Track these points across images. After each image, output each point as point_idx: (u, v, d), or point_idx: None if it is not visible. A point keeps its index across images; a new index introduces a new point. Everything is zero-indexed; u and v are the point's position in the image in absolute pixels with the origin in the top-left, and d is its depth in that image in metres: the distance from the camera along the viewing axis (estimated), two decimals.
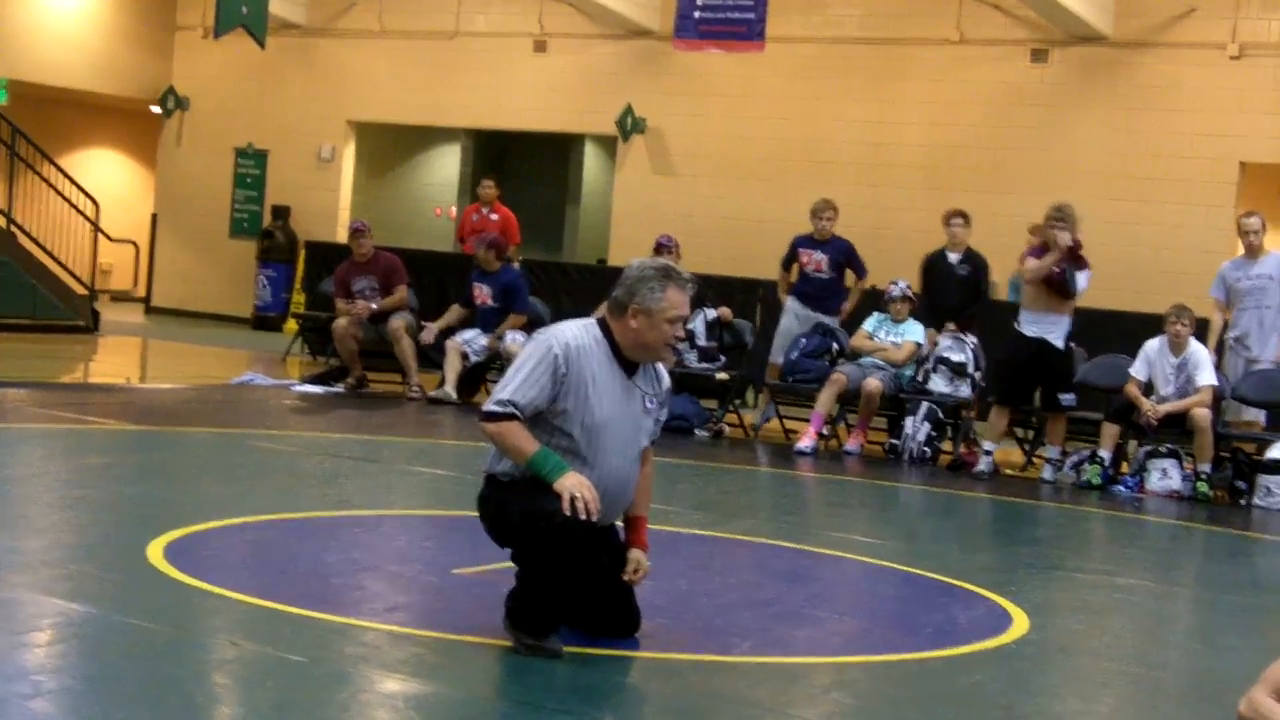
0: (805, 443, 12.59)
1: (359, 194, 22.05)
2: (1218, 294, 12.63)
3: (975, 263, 13.31)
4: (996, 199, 16.61)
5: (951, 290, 13.19)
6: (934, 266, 13.39)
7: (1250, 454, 12.21)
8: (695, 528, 8.49)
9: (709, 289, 14.20)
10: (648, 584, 5.80)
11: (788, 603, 6.86)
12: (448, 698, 4.94)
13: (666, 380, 5.78)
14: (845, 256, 13.83)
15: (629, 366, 5.56)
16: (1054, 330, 12.04)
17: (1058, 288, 11.85)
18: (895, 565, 7.92)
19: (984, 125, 17.48)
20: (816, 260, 13.77)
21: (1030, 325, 12.09)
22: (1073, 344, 12.27)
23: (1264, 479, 11.64)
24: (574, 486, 5.25)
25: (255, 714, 4.63)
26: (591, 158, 22.78)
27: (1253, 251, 12.55)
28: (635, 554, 5.68)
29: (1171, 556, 10.07)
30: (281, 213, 21.77)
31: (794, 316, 13.85)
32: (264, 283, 21.72)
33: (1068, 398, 12.15)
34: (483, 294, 14.14)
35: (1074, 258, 11.85)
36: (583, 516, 5.22)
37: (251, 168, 22.50)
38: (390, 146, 22.78)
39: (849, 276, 13.87)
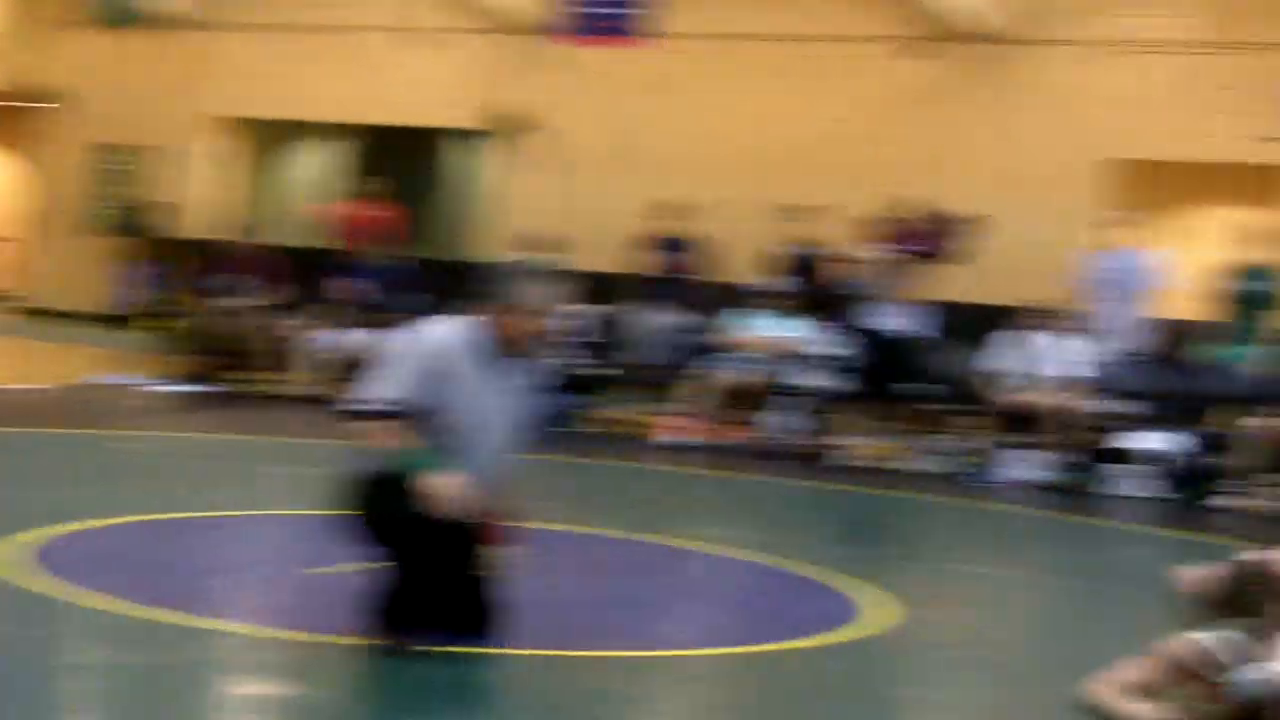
0: (675, 435, 12.68)
1: (237, 190, 21.82)
2: (1079, 284, 12.90)
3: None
4: (856, 192, 16.75)
5: (829, 283, 13.30)
6: (808, 261, 13.53)
7: (1108, 443, 12.45)
8: (565, 524, 8.53)
9: (588, 284, 14.25)
10: (510, 580, 5.83)
11: (653, 597, 6.94)
12: (313, 700, 4.95)
13: (538, 372, 5.83)
14: (698, 253, 14.02)
15: (501, 359, 5.62)
16: (909, 321, 12.28)
17: (910, 274, 12.15)
18: (760, 558, 8.01)
19: (854, 120, 17.59)
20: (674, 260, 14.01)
21: (885, 317, 12.32)
22: (932, 334, 12.51)
23: (1124, 468, 11.89)
24: (451, 486, 5.30)
25: None
26: (468, 153, 22.69)
27: (1115, 243, 12.84)
28: (497, 550, 5.73)
29: (1031, 545, 10.28)
30: (158, 209, 21.50)
31: (661, 313, 13.97)
32: (137, 280, 21.44)
33: (927, 387, 12.36)
34: (362, 289, 14.11)
35: (925, 249, 12.10)
36: (460, 516, 5.27)
37: (128, 163, 22.20)
38: (269, 141, 22.56)
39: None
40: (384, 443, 5.37)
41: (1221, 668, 4.76)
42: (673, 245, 13.94)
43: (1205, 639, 4.80)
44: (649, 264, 14.17)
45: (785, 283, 13.39)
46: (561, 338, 13.69)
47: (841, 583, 7.35)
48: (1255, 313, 12.49)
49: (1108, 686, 5.07)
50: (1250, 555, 5.26)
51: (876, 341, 12.33)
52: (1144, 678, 5.05)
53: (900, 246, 12.39)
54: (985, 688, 5.84)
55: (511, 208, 19.02)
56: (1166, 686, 5.05)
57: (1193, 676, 4.89)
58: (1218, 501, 11.32)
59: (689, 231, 13.90)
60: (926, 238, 12.11)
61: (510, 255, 5.85)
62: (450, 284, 15.83)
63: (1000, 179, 16.57)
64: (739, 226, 16.18)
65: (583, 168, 18.79)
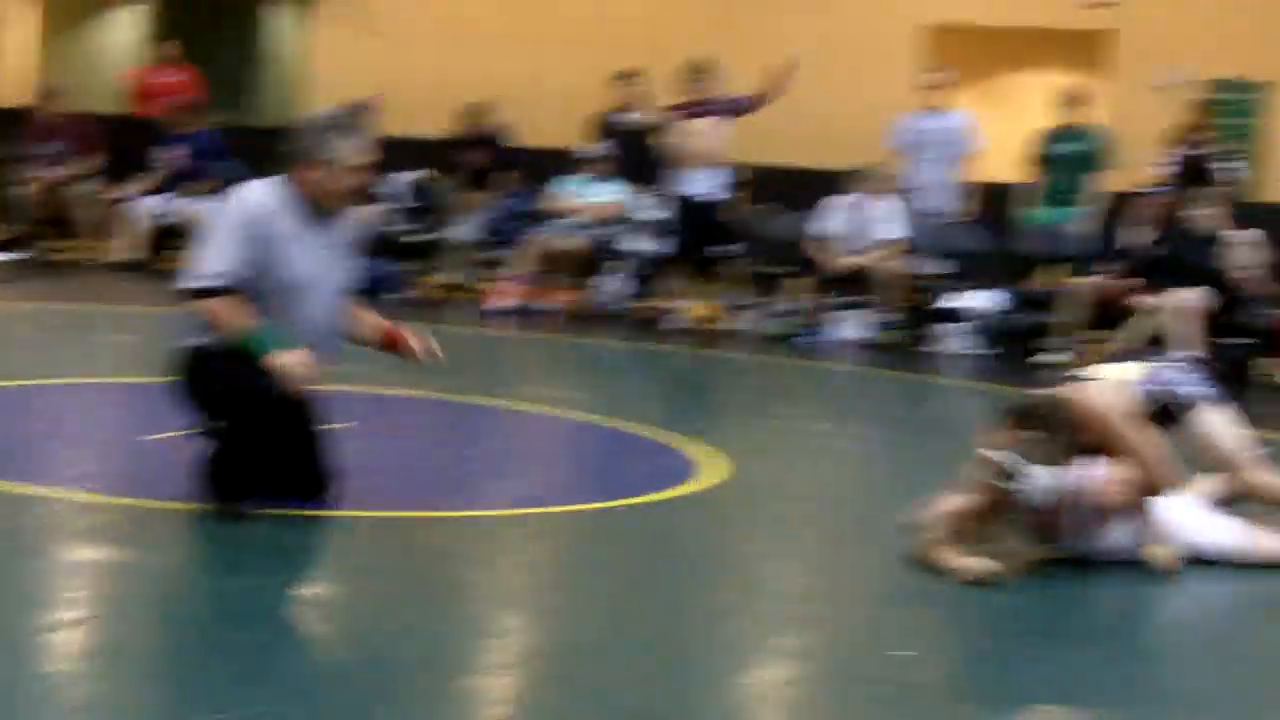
0: (503, 302, 12.65)
1: (39, 55, 21.14)
2: (897, 144, 13.03)
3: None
4: (673, 61, 16.71)
5: (647, 149, 13.27)
6: (628, 127, 13.47)
7: (930, 303, 12.66)
8: (393, 388, 8.47)
9: (411, 150, 14.11)
10: (349, 445, 5.79)
11: (489, 458, 6.94)
12: (144, 564, 4.88)
13: (358, 226, 5.73)
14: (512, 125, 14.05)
15: (319, 217, 5.52)
16: (715, 184, 12.36)
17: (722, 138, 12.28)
18: (595, 419, 8.04)
19: None
20: (477, 158, 13.95)
21: (692, 182, 12.38)
22: (733, 194, 12.63)
23: (943, 326, 12.12)
24: (288, 362, 5.22)
25: None
26: (285, 17, 22.21)
27: (935, 105, 12.96)
28: (411, 343, 5.71)
29: (858, 402, 10.45)
30: None
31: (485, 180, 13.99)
32: None
33: (732, 247, 12.47)
34: (174, 156, 13.80)
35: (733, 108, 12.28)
36: (299, 391, 5.20)
37: None
38: (72, 5, 21.86)
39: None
40: (229, 320, 5.26)
41: (1012, 478, 4.98)
42: (488, 122, 13.87)
43: (998, 455, 5.02)
44: (468, 132, 14.02)
45: (607, 148, 13.34)
46: (396, 203, 13.57)
47: (676, 441, 7.39)
48: (1075, 175, 12.70)
49: (934, 537, 5.24)
50: (1058, 390, 5.49)
51: (692, 206, 12.40)
52: (960, 512, 5.25)
53: (708, 109, 12.44)
54: (818, 538, 5.94)
55: (338, 73, 18.59)
56: (979, 514, 5.27)
57: (990, 492, 5.11)
58: (1040, 358, 11.57)
59: (504, 103, 13.83)
60: (730, 101, 12.28)
61: (320, 110, 5.71)
62: (263, 148, 15.63)
63: (822, 44, 16.63)
64: (561, 94, 16.08)
65: (399, 32, 18.48)
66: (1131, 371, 5.76)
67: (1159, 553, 5.38)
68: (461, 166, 14.05)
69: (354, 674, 3.97)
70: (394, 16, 18.50)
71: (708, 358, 11.41)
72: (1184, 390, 5.71)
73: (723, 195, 12.50)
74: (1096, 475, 5.30)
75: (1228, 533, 5.59)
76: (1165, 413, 5.67)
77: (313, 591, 4.74)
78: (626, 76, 13.44)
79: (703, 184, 12.36)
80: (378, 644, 4.20)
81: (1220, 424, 5.73)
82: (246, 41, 22.37)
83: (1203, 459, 5.78)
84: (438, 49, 18.30)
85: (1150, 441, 5.44)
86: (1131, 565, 5.43)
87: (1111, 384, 5.62)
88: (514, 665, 4.14)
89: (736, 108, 12.45)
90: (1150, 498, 5.40)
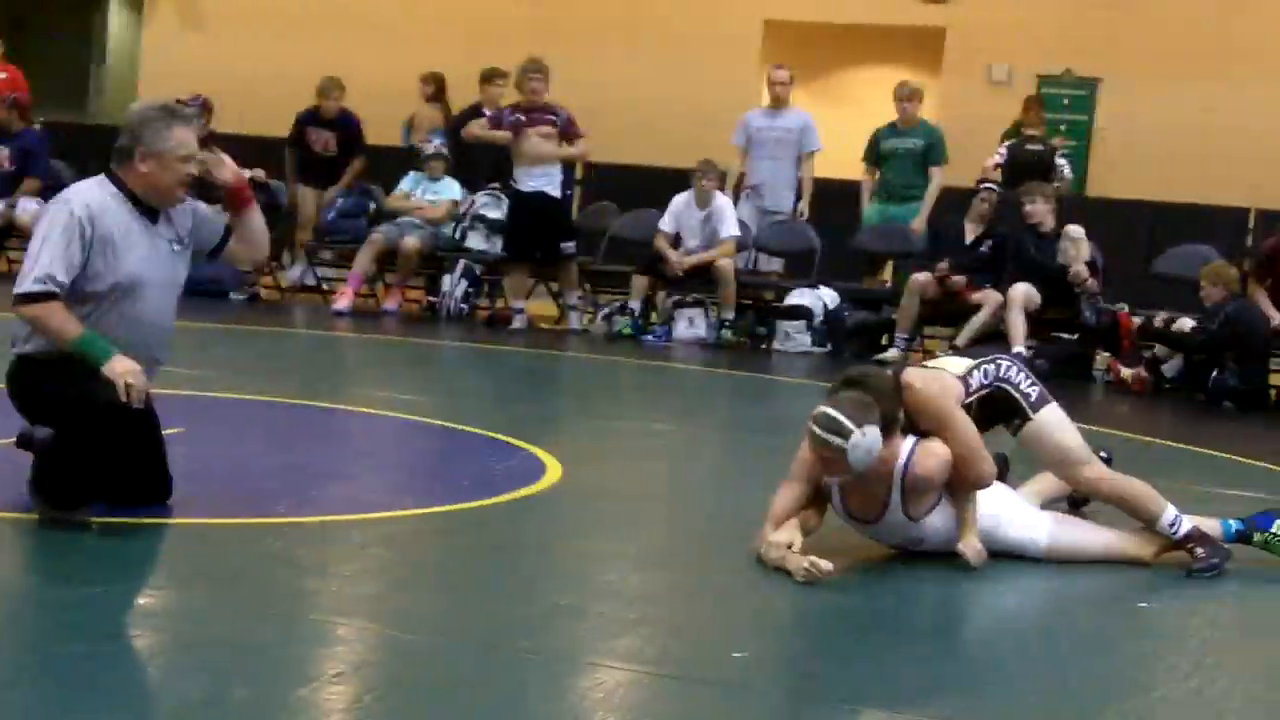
0: (342, 303, 12.56)
1: None
2: (739, 142, 13.12)
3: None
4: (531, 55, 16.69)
5: (489, 148, 13.21)
6: (465, 125, 13.42)
7: (771, 301, 12.78)
8: (232, 392, 8.38)
9: (244, 149, 13.90)
10: (181, 451, 5.72)
11: (326, 462, 6.87)
12: None
13: (188, 221, 5.60)
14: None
15: (150, 214, 5.43)
16: (550, 182, 12.37)
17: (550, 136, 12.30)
18: (434, 421, 8.00)
19: None
20: (325, 139, 13.75)
21: (526, 180, 12.38)
22: (571, 192, 12.67)
23: (784, 324, 12.24)
24: (124, 373, 5.12)
25: None
26: (117, 13, 21.85)
27: (778, 103, 13.07)
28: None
29: (699, 401, 10.51)
30: None
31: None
32: None
33: (568, 245, 12.49)
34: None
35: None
36: (134, 404, 5.12)
37: None
38: None
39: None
40: (60, 327, 5.16)
41: (838, 433, 5.08)
42: (325, 113, 13.72)
43: (826, 409, 5.11)
44: (304, 131, 13.85)
45: (436, 146, 13.28)
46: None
47: (516, 442, 7.38)
48: (910, 172, 12.87)
49: (770, 524, 5.34)
50: (897, 369, 5.61)
51: (522, 204, 12.39)
52: (791, 507, 5.36)
53: (544, 118, 12.42)
54: (656, 538, 5.97)
55: (172, 71, 18.32)
56: (811, 503, 5.39)
57: (817, 457, 5.23)
58: (879, 355, 11.71)
59: (340, 98, 13.68)
60: (567, 122, 12.33)
61: (143, 101, 5.59)
62: (101, 148, 15.38)
63: (666, 41, 16.72)
64: (396, 91, 15.98)
65: (243, 29, 18.26)
66: (967, 365, 5.86)
67: (969, 542, 5.46)
68: (308, 148, 13.81)
69: (190, 685, 3.91)
70: (224, 13, 18.28)
71: (549, 357, 11.42)
72: (1017, 387, 5.81)
73: (560, 193, 12.51)
74: (926, 449, 5.40)
75: (1050, 529, 5.70)
76: (997, 409, 5.78)
77: (147, 601, 4.67)
78: (491, 76, 13.34)
79: (541, 182, 12.35)
80: (214, 654, 4.15)
81: (1053, 421, 5.82)
82: (83, 40, 21.99)
83: (1035, 456, 5.89)
84: (269, 46, 18.11)
85: (973, 435, 5.53)
86: (956, 558, 5.53)
87: (947, 374, 5.72)
88: (351, 672, 4.11)
89: (567, 131, 12.45)
90: (968, 490, 5.50)
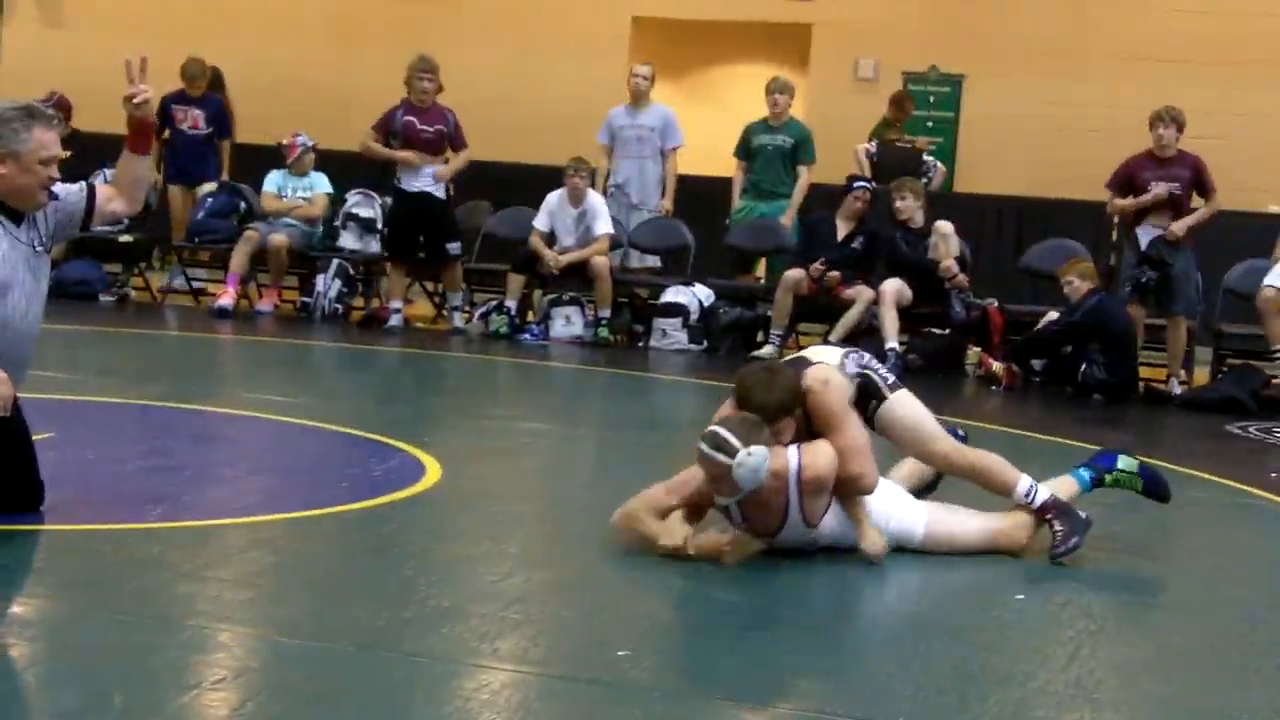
0: (225, 300, 12.40)
1: None
2: (603, 139, 13.14)
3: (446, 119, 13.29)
4: (403, 52, 16.59)
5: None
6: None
7: (646, 298, 12.82)
8: (102, 395, 8.26)
9: (109, 147, 13.70)
10: (51, 456, 5.63)
11: (201, 465, 6.79)
12: None
13: (50, 222, 5.50)
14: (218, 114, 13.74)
15: (13, 216, 5.33)
16: (434, 183, 12.33)
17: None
18: (310, 422, 7.94)
19: None
20: (194, 117, 13.59)
21: (411, 180, 12.33)
22: (451, 192, 12.63)
23: (659, 322, 12.27)
24: None
25: None
26: None
27: (639, 100, 13.10)
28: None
29: (575, 399, 10.52)
30: None
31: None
32: None
33: (453, 246, 12.45)
34: None
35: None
36: (1, 412, 5.03)
37: None
38: None
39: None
40: None
41: (726, 452, 5.25)
42: (191, 92, 13.58)
43: (716, 429, 5.19)
44: (170, 111, 13.66)
45: (304, 142, 13.15)
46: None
47: (392, 444, 7.35)
48: (779, 168, 12.95)
49: (640, 501, 5.40)
50: (800, 376, 5.66)
51: (403, 204, 12.34)
52: (669, 505, 5.44)
53: (432, 121, 12.39)
54: (534, 538, 5.96)
55: (31, 69, 18.02)
56: (694, 505, 5.46)
57: (706, 473, 5.29)
58: (756, 351, 11.78)
59: (204, 83, 13.57)
60: (455, 130, 12.31)
61: (6, 103, 5.49)
62: None
63: (536, 38, 16.70)
64: (263, 85, 15.84)
65: (104, 25, 17.97)
66: (839, 355, 5.94)
67: (870, 540, 5.54)
68: (175, 129, 13.62)
69: (68, 694, 3.85)
70: (84, 10, 17.98)
71: (425, 357, 11.37)
72: (877, 372, 5.92)
73: (444, 194, 12.46)
74: (812, 451, 5.47)
75: (926, 519, 5.78)
76: (862, 393, 5.87)
77: (21, 609, 4.58)
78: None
79: (425, 182, 12.29)
80: (92, 662, 4.09)
81: (906, 402, 5.93)
82: None
83: (891, 436, 5.96)
84: (132, 43, 17.80)
85: (863, 438, 5.61)
86: (844, 554, 5.59)
87: (837, 373, 5.78)
88: (232, 678, 4.07)
89: (454, 139, 12.43)
90: (851, 492, 5.57)
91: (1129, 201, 11.38)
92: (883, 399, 5.88)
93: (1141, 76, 15.05)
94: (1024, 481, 5.87)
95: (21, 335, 5.36)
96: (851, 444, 5.54)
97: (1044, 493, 5.87)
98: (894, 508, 5.76)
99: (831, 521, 5.60)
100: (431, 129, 12.34)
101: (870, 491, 5.61)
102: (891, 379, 5.97)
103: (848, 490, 5.55)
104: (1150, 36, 15.37)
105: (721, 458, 5.31)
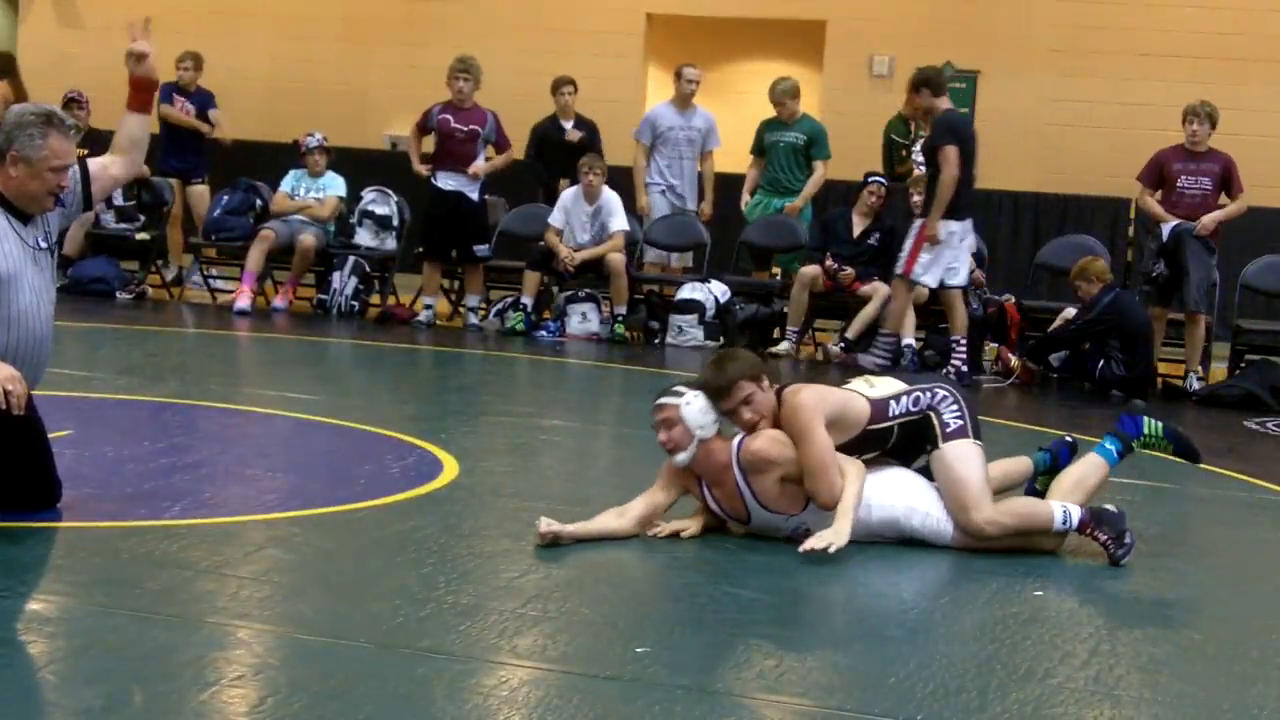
0: (242, 301, 12.41)
1: None
2: (645, 139, 13.09)
3: (588, 127, 13.29)
4: (416, 51, 16.61)
5: (565, 155, 13.09)
6: (548, 135, 13.29)
7: (662, 294, 12.81)
8: (120, 393, 8.28)
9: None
10: (70, 453, 5.64)
11: (219, 463, 6.80)
12: None
13: (56, 221, 5.54)
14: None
15: (20, 217, 5.35)
16: (469, 184, 12.33)
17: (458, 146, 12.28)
18: (328, 420, 7.95)
19: None
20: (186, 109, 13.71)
21: (446, 179, 12.34)
22: (488, 196, 12.62)
23: (675, 318, 12.26)
24: (4, 379, 5.04)
25: None
26: None
27: (686, 102, 13.06)
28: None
29: (592, 396, 10.52)
30: None
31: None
32: None
33: (483, 249, 12.46)
34: None
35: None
36: (15, 411, 5.03)
37: None
38: None
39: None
40: None
41: (676, 395, 5.71)
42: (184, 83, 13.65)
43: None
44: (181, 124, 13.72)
45: (319, 140, 13.17)
46: (112, 201, 13.20)
47: (411, 440, 7.36)
48: (792, 165, 12.93)
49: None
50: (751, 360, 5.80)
51: (439, 204, 12.36)
52: (655, 500, 5.65)
53: (460, 114, 12.42)
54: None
55: (50, 68, 18.06)
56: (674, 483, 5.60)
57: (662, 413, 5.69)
58: (773, 348, 11.78)
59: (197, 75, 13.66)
60: (498, 132, 12.37)
61: (23, 105, 5.52)
62: None
63: (551, 36, 16.69)
64: (289, 86, 15.88)
65: (122, 25, 17.94)
66: (897, 389, 5.91)
67: (834, 530, 5.54)
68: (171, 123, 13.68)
69: (88, 691, 3.85)
70: (100, 10, 17.99)
71: (443, 354, 11.37)
72: (940, 416, 5.83)
73: (477, 197, 12.45)
74: (754, 434, 5.68)
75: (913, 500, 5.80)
76: (918, 434, 5.84)
77: (41, 607, 4.59)
78: (563, 84, 13.23)
79: (460, 182, 12.32)
80: (112, 659, 4.09)
81: (960, 456, 5.80)
82: None
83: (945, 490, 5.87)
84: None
85: (826, 452, 5.58)
86: (863, 552, 5.57)
87: (853, 395, 5.81)
88: (251, 675, 4.07)
89: (496, 140, 12.47)
90: (819, 504, 5.60)
91: (1158, 208, 11.32)
92: (936, 446, 5.82)
93: (1155, 73, 15.03)
94: (1058, 511, 5.82)
95: (35, 335, 5.37)
96: (813, 462, 5.56)
97: (1076, 511, 5.83)
98: (926, 505, 5.77)
99: (810, 516, 5.66)
100: (466, 128, 12.37)
101: (829, 509, 5.59)
102: (954, 426, 5.82)
103: (817, 504, 5.60)
104: (1164, 33, 15.33)
105: (670, 399, 5.68)
